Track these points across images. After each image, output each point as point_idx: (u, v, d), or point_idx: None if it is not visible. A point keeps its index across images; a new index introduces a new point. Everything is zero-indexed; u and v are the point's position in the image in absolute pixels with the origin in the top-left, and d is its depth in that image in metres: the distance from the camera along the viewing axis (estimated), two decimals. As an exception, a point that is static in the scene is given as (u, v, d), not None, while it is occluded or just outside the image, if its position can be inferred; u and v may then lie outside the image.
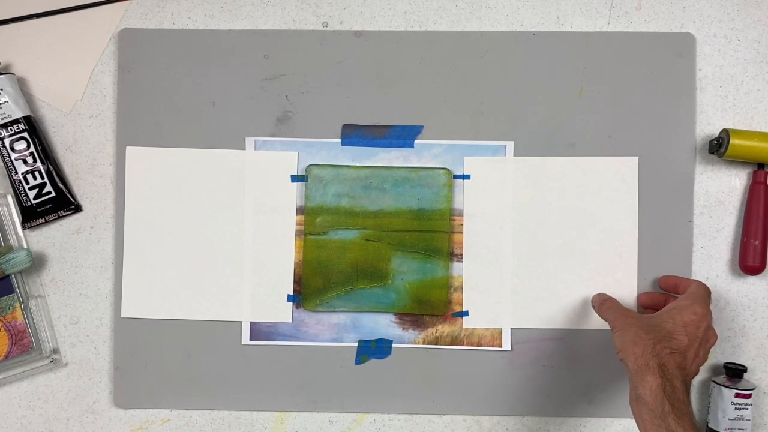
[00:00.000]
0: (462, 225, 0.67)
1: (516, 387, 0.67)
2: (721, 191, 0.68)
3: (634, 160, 0.67)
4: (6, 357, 0.66)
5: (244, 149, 0.68)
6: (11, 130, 0.66)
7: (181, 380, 0.68)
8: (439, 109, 0.68)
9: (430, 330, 0.67)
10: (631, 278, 0.66)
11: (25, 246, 0.67)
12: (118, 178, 0.68)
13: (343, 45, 0.68)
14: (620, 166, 0.67)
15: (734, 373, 0.65)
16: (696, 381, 0.68)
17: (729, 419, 0.64)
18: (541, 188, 0.67)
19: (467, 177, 0.67)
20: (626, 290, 0.66)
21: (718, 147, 0.66)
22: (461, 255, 0.67)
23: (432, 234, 0.67)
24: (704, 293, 0.60)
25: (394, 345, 0.67)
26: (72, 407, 0.68)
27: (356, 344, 0.67)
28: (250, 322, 0.67)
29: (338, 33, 0.68)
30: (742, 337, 0.68)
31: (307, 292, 0.67)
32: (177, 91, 0.68)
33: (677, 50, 0.68)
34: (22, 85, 0.68)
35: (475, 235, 0.67)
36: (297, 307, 0.67)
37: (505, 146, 0.67)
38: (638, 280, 0.67)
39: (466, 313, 0.67)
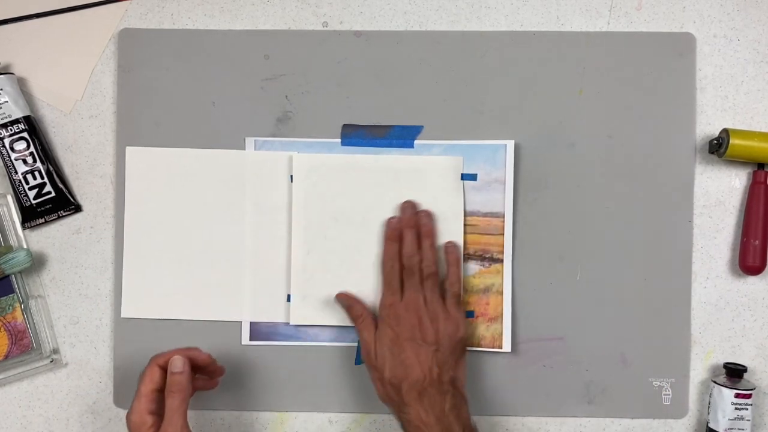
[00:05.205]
0: (466, 225, 0.67)
1: (516, 387, 0.67)
2: (721, 191, 0.68)
3: (458, 161, 0.66)
4: (6, 357, 0.66)
5: (244, 149, 0.68)
6: (11, 130, 0.66)
7: (181, 380, 0.67)
8: (439, 109, 0.68)
9: (430, 330, 0.67)
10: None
11: (25, 246, 0.67)
12: (118, 178, 0.68)
13: (343, 45, 0.68)
14: (443, 165, 0.66)
15: (734, 373, 0.65)
16: (696, 381, 0.68)
17: (729, 419, 0.64)
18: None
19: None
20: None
21: (718, 147, 0.66)
22: (466, 255, 0.67)
23: (432, 234, 0.67)
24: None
25: (394, 345, 0.67)
26: (72, 407, 0.68)
27: (356, 344, 0.67)
28: (250, 322, 0.67)
29: (338, 33, 0.68)
30: (742, 337, 0.68)
31: (307, 292, 0.67)
32: (177, 91, 0.68)
33: (677, 50, 0.68)
34: (22, 85, 0.68)
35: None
36: (297, 307, 0.67)
37: (505, 146, 0.67)
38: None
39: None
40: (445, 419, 0.57)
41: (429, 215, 0.65)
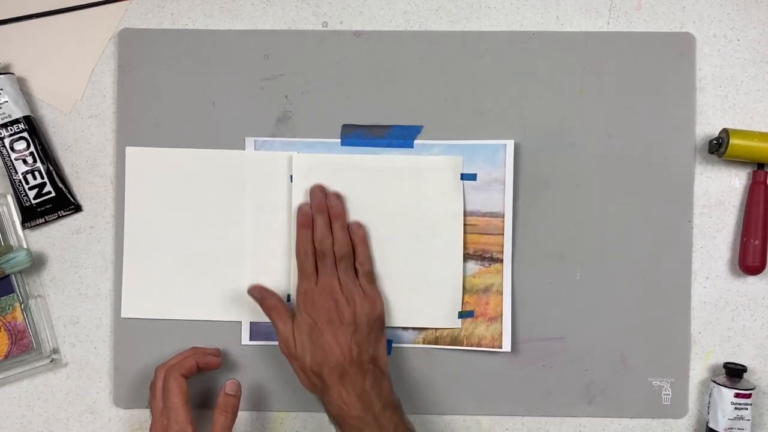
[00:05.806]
0: (466, 225, 0.67)
1: (516, 387, 0.67)
2: (721, 191, 0.68)
3: (458, 161, 0.66)
4: (6, 357, 0.66)
5: (244, 149, 0.68)
6: (11, 130, 0.66)
7: (181, 380, 0.67)
8: (439, 109, 0.68)
9: (430, 330, 0.67)
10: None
11: (25, 246, 0.67)
12: (118, 178, 0.68)
13: (343, 45, 0.68)
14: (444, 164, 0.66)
15: (734, 373, 0.65)
16: (696, 381, 0.68)
17: (729, 419, 0.64)
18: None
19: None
20: None
21: (718, 147, 0.66)
22: (466, 255, 0.67)
23: (432, 234, 0.67)
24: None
25: (393, 345, 0.67)
26: (72, 407, 0.68)
27: (356, 344, 0.67)
28: (250, 322, 0.67)
29: (338, 33, 0.68)
30: (742, 337, 0.68)
31: (307, 292, 0.67)
32: (177, 91, 0.68)
33: (677, 50, 0.68)
34: (22, 85, 0.68)
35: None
36: (297, 307, 0.67)
37: (505, 146, 0.67)
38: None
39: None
40: (366, 396, 0.58)
41: (338, 197, 0.65)
